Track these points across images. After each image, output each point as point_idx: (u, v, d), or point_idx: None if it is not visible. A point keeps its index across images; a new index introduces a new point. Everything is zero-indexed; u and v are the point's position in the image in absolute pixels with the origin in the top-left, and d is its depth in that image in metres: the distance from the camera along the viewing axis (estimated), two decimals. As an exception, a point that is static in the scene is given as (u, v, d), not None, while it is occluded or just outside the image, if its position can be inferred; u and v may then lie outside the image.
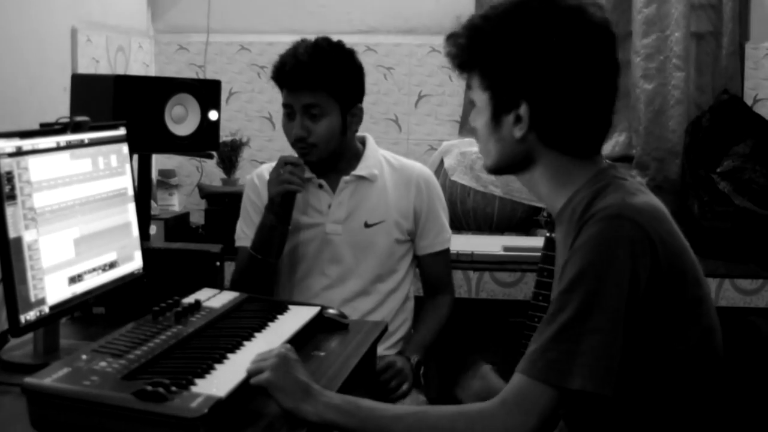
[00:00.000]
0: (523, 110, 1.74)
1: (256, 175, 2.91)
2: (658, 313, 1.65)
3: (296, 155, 2.75)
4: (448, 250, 2.97)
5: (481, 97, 1.80)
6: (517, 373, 1.67)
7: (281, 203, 2.69)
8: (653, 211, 1.71)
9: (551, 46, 1.72)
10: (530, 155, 1.79)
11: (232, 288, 2.67)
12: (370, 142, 2.90)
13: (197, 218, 3.81)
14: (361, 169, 2.82)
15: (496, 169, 1.87)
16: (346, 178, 2.81)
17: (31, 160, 1.98)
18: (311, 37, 2.74)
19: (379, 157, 2.88)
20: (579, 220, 1.71)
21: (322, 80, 2.67)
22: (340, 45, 2.75)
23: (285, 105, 2.75)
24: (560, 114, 1.75)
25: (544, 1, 1.75)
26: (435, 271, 2.96)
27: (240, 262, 2.86)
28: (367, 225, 2.81)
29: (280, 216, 2.71)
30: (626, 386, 1.65)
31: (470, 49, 1.79)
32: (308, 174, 2.77)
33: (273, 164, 2.88)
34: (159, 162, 4.07)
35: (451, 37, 1.84)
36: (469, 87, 1.84)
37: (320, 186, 2.81)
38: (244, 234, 2.85)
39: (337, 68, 2.71)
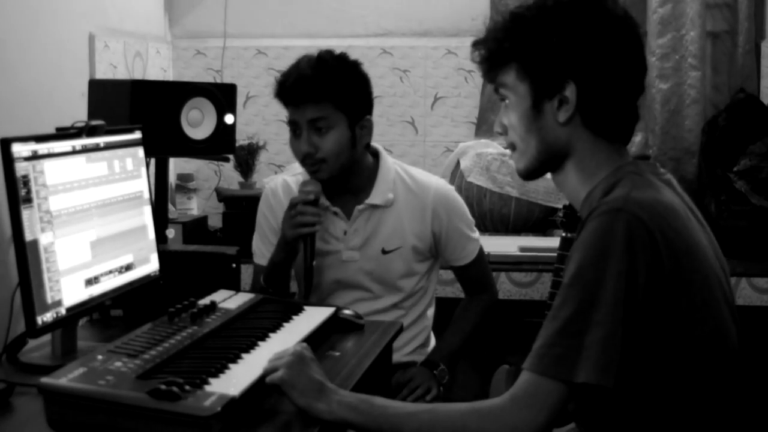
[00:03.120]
0: (569, 91, 1.78)
1: (270, 191, 2.85)
2: (660, 309, 1.66)
3: (306, 172, 2.71)
4: (479, 257, 2.92)
5: (518, 89, 1.83)
6: (525, 370, 1.69)
7: (297, 244, 2.64)
8: (659, 207, 1.71)
9: (594, 27, 1.78)
10: (568, 142, 1.82)
11: None
12: (383, 156, 2.81)
13: (215, 222, 3.83)
14: (374, 197, 2.75)
15: (534, 166, 1.87)
16: (359, 207, 2.75)
17: (47, 164, 2.01)
18: (314, 52, 2.67)
19: (392, 176, 2.79)
20: (587, 215, 1.73)
21: (326, 91, 2.60)
22: (343, 56, 2.68)
23: (290, 122, 2.67)
24: (606, 93, 1.79)
25: None
26: (469, 277, 2.95)
27: (256, 283, 2.84)
28: (384, 251, 2.77)
29: (292, 254, 2.67)
30: (631, 379, 1.66)
31: (507, 41, 1.83)
32: (325, 202, 2.72)
33: (287, 177, 2.88)
34: (177, 166, 4.10)
35: (480, 41, 1.89)
36: (501, 85, 1.86)
37: (335, 213, 2.75)
38: (260, 251, 2.85)
39: (341, 78, 2.62)
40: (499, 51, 1.85)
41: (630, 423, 1.74)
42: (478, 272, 2.95)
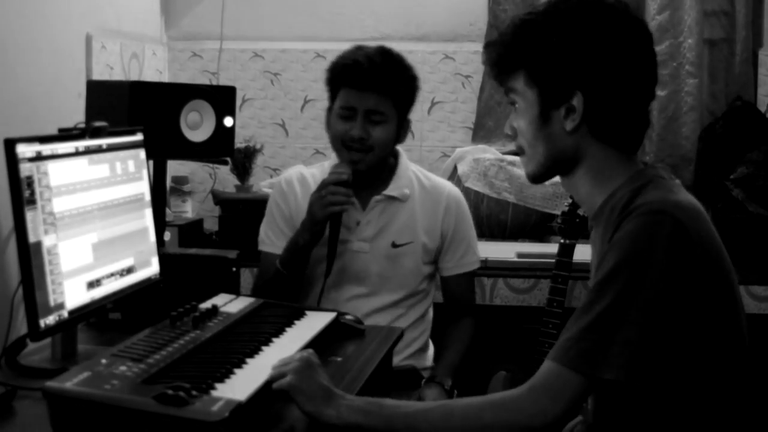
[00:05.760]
0: (576, 101, 1.78)
1: (284, 181, 2.88)
2: (694, 311, 1.68)
3: (337, 158, 2.75)
4: (473, 273, 2.93)
5: (527, 95, 1.83)
6: (548, 360, 1.69)
7: (325, 224, 2.65)
8: (693, 210, 1.74)
9: (603, 35, 1.78)
10: (577, 150, 1.83)
11: (254, 294, 2.66)
12: (403, 157, 2.87)
13: (210, 225, 3.82)
14: (392, 189, 2.80)
15: (542, 171, 1.88)
16: (377, 197, 2.78)
17: (51, 165, 1.99)
18: (371, 44, 2.74)
19: (410, 174, 2.85)
20: (619, 215, 1.74)
21: (392, 86, 2.68)
22: (401, 57, 2.76)
23: (345, 107, 2.70)
24: (613, 104, 1.79)
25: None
26: (458, 292, 2.92)
27: (264, 270, 2.84)
28: (394, 245, 2.78)
29: (317, 236, 2.68)
30: (657, 379, 1.68)
31: (517, 47, 1.83)
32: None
33: (302, 170, 2.90)
34: (172, 169, 4.07)
35: (491, 44, 1.90)
36: (510, 90, 1.87)
37: (351, 202, 2.74)
38: (269, 239, 2.85)
39: (405, 77, 2.72)
40: (508, 57, 1.85)
41: (648, 419, 1.75)
42: (466, 291, 2.95)
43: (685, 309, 1.67)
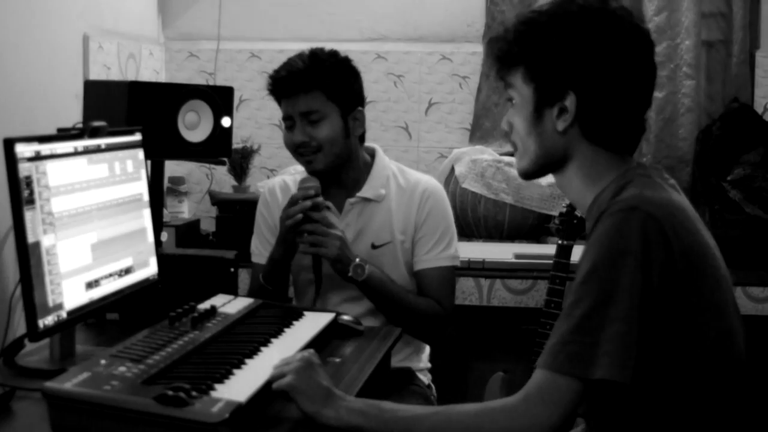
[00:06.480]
0: (569, 101, 1.80)
1: (267, 190, 2.86)
2: (672, 308, 1.67)
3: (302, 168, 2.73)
4: (446, 270, 2.78)
5: (523, 92, 1.86)
6: (539, 367, 1.69)
7: (293, 238, 2.60)
8: (670, 207, 1.73)
9: (601, 39, 1.79)
10: (568, 150, 1.84)
11: None
12: (380, 155, 2.82)
13: (207, 225, 3.81)
14: (366, 191, 2.75)
15: (533, 168, 1.90)
16: (351, 200, 2.74)
17: (50, 165, 1.98)
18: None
19: (387, 173, 2.79)
20: (598, 215, 1.74)
21: (316, 80, 2.63)
22: (334, 51, 2.73)
23: (285, 118, 2.70)
24: (606, 107, 1.80)
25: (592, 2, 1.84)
26: (428, 290, 2.76)
27: (254, 281, 2.82)
28: (374, 246, 2.74)
29: (290, 250, 2.65)
30: (645, 378, 1.67)
31: (518, 43, 1.85)
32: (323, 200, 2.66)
33: (285, 177, 2.88)
34: (169, 169, 4.04)
35: (495, 38, 1.93)
36: (509, 86, 1.90)
37: (327, 208, 2.70)
38: (258, 250, 2.83)
39: (331, 69, 2.67)
40: (509, 52, 1.88)
41: (640, 421, 1.74)
42: (436, 289, 2.75)
43: (664, 306, 1.66)
